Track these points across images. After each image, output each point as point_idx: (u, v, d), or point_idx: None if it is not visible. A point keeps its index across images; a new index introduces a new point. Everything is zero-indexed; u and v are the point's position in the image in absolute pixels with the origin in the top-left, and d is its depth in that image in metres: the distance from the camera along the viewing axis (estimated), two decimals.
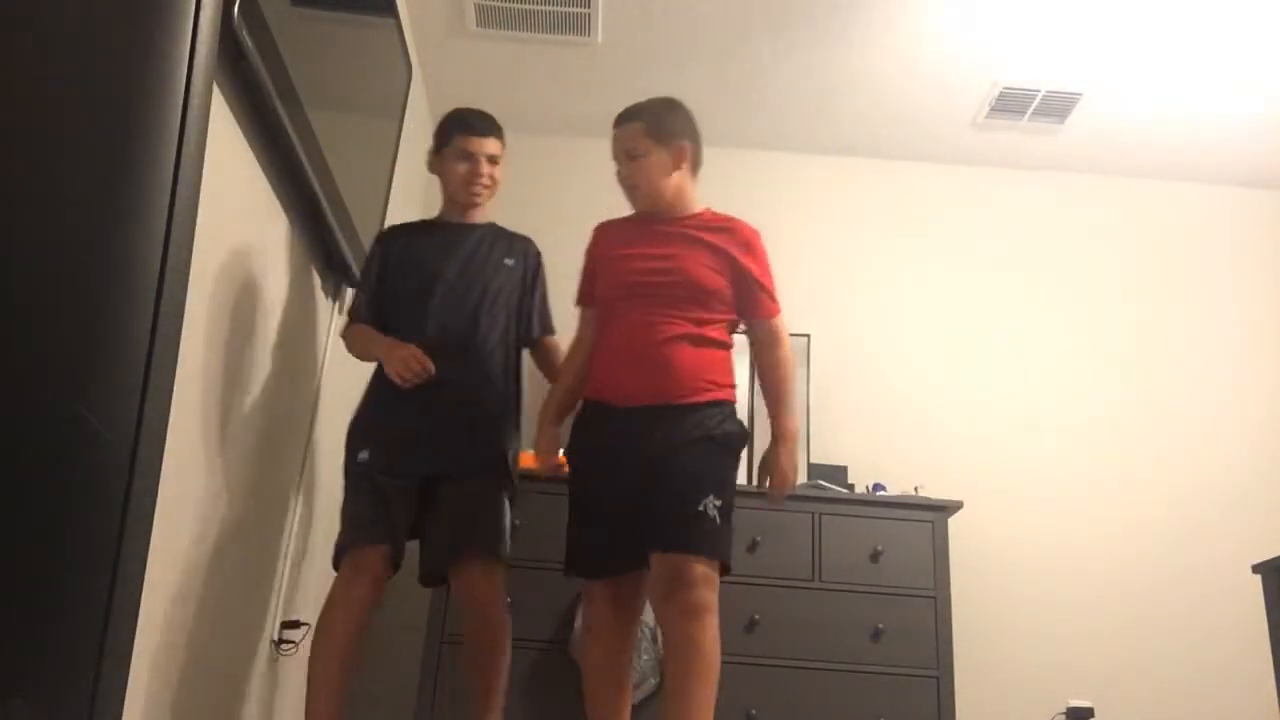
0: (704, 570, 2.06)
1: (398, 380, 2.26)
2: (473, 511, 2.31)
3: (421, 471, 2.31)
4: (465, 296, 2.42)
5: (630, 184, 2.37)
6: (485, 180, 2.51)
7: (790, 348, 2.36)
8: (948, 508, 3.25)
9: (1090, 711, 3.39)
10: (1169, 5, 3.20)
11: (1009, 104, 3.73)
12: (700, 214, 2.40)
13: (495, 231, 2.57)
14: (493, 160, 2.52)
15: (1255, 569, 2.62)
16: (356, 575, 2.21)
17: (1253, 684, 3.49)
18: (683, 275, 2.27)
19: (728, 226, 2.37)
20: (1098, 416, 3.87)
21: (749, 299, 2.33)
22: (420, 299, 2.39)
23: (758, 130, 4.02)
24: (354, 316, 2.48)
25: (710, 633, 2.04)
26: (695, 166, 2.41)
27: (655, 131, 2.33)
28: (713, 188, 4.12)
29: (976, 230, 4.11)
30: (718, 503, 2.10)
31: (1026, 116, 3.80)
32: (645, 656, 2.92)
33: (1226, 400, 3.91)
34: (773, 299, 2.35)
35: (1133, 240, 4.12)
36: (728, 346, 2.32)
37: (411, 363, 2.25)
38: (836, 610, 3.08)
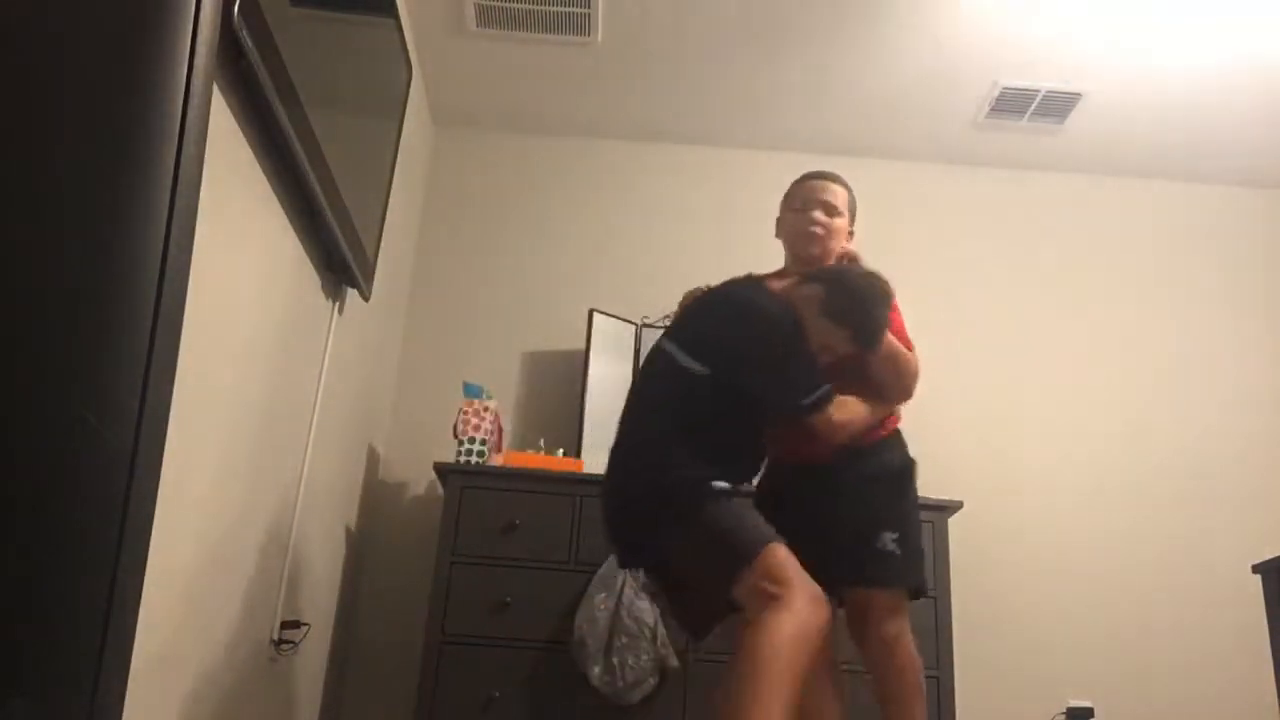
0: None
1: None
2: None
3: None
4: None
5: (820, 234, 2.51)
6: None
7: (896, 371, 2.58)
8: (948, 508, 3.25)
9: (1090, 711, 3.39)
10: (1169, 6, 3.20)
11: (1009, 104, 3.73)
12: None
13: None
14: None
15: (1255, 569, 2.63)
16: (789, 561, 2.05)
17: (1253, 684, 3.49)
18: None
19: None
20: (1097, 416, 3.87)
21: None
22: None
23: (757, 130, 4.01)
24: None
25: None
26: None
27: (852, 206, 2.64)
28: (712, 188, 4.13)
29: (976, 230, 4.11)
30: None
31: (1026, 116, 3.80)
32: (645, 656, 2.92)
33: (1226, 400, 3.91)
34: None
35: (1132, 240, 4.12)
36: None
37: None
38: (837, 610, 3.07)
